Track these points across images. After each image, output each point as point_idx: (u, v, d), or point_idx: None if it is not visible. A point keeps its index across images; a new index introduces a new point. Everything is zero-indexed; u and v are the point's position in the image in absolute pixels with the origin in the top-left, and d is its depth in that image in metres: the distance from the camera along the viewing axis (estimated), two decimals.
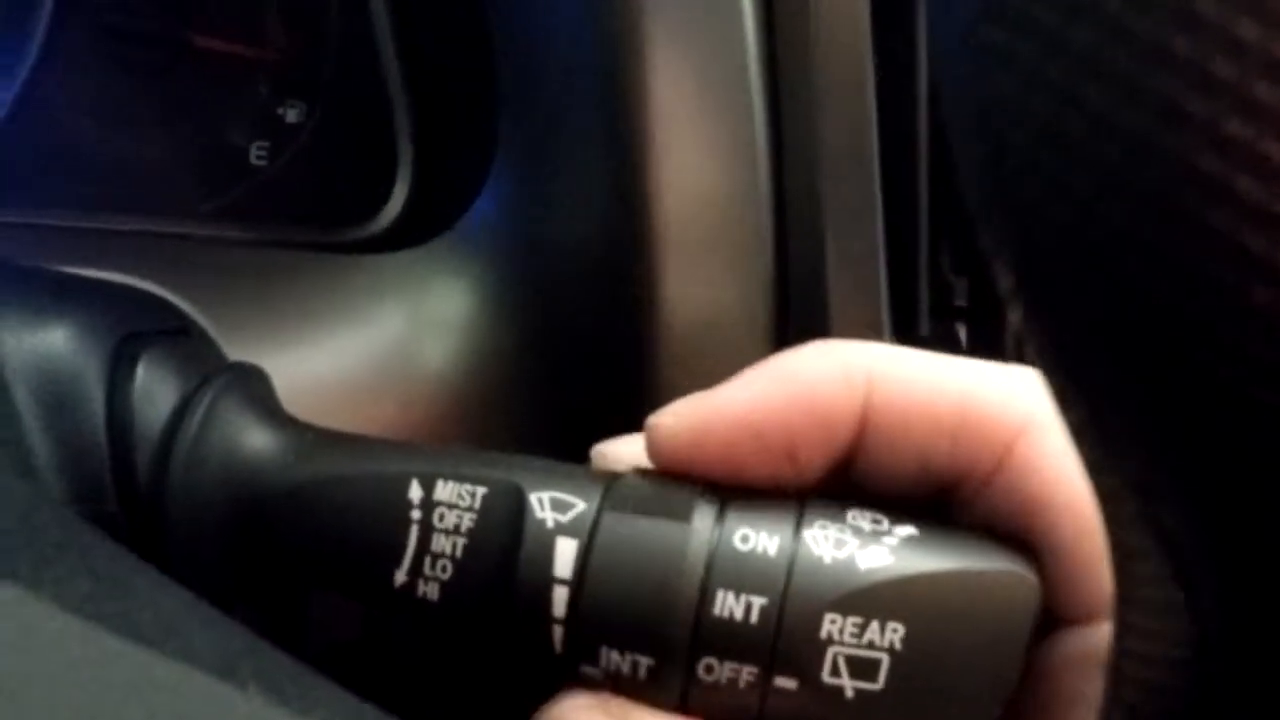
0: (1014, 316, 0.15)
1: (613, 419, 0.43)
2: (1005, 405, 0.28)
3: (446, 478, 0.29)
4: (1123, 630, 0.17)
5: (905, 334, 0.44)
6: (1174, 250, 0.13)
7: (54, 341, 0.30)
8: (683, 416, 0.29)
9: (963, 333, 0.46)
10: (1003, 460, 0.28)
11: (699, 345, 0.42)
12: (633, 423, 0.43)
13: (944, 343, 0.45)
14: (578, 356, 0.43)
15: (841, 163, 0.41)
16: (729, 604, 0.27)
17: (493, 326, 0.43)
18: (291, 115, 0.49)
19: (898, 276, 0.43)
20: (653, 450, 0.30)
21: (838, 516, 0.28)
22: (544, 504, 0.29)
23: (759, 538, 0.28)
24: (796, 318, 0.43)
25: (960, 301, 0.46)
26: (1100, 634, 0.28)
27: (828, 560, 0.27)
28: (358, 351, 0.41)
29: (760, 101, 0.41)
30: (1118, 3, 0.12)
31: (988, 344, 0.44)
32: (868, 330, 0.42)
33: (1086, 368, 0.14)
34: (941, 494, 0.30)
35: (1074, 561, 0.28)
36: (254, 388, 0.32)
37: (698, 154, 0.40)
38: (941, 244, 0.45)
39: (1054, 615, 0.28)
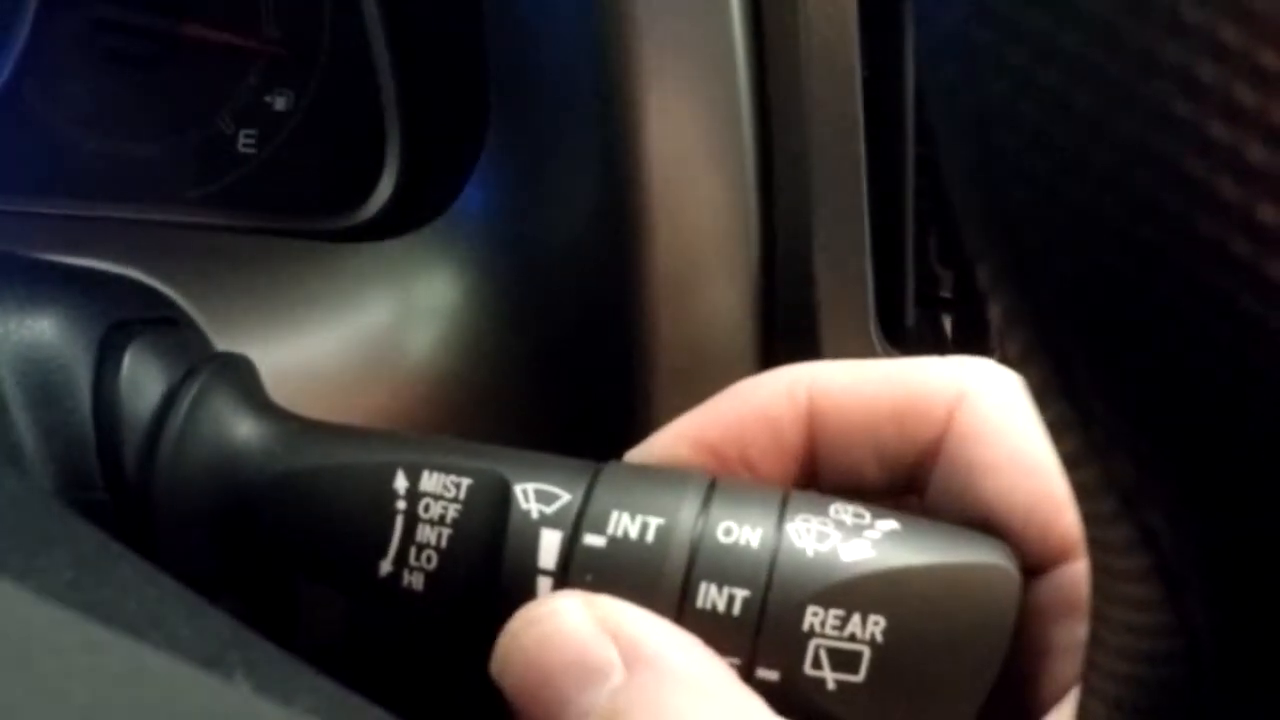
0: (995, 314, 0.15)
1: (599, 407, 0.43)
2: (936, 382, 0.30)
3: (432, 468, 0.29)
4: (1101, 623, 0.18)
5: (891, 325, 0.44)
6: (1164, 254, 0.13)
7: (41, 330, 0.30)
8: (655, 446, 0.32)
9: (948, 324, 0.46)
10: (946, 429, 0.30)
11: (686, 336, 0.42)
12: (619, 410, 0.43)
13: (929, 334, 0.46)
14: (564, 345, 0.43)
15: (829, 156, 0.41)
16: (712, 596, 0.27)
17: (479, 315, 0.43)
18: (280, 104, 0.49)
19: (884, 268, 0.43)
20: None
21: (820, 510, 0.28)
22: (529, 495, 0.29)
23: (742, 530, 0.28)
24: (784, 308, 0.43)
25: (946, 293, 0.46)
26: (1061, 577, 0.28)
27: (810, 553, 0.27)
28: (344, 340, 0.41)
29: (749, 95, 0.41)
30: (1107, 8, 0.12)
31: (973, 335, 0.45)
32: (854, 321, 0.43)
33: (1072, 369, 0.14)
34: (907, 479, 0.31)
35: (1028, 511, 0.28)
36: (241, 377, 0.32)
37: (687, 148, 0.41)
38: (928, 236, 0.45)
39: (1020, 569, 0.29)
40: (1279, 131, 0.12)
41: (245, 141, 0.49)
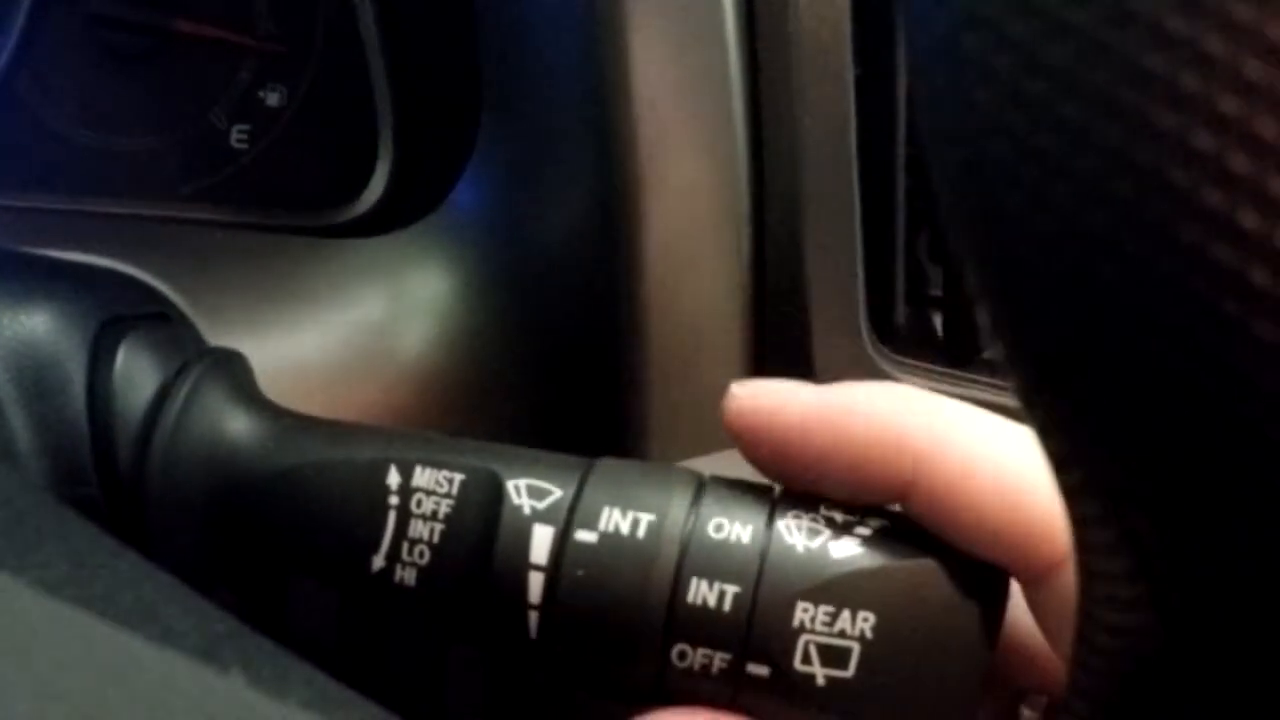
0: (984, 318, 0.15)
1: (591, 402, 0.44)
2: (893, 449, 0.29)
3: (425, 464, 0.29)
4: (1086, 623, 0.18)
5: (882, 323, 0.44)
6: (1149, 261, 0.13)
7: (35, 326, 0.30)
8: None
9: (938, 321, 0.46)
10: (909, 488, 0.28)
11: (677, 332, 0.42)
12: (610, 406, 0.43)
13: (919, 332, 0.46)
14: (557, 341, 0.43)
15: (820, 154, 0.42)
16: (703, 591, 0.27)
17: (472, 311, 0.43)
18: (272, 99, 0.49)
19: (874, 266, 0.43)
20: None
21: (811, 507, 0.29)
22: (521, 491, 0.29)
23: (733, 527, 0.28)
24: (774, 307, 0.44)
25: (936, 291, 0.46)
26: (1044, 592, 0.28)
27: (800, 550, 0.28)
28: (337, 335, 0.42)
29: (741, 93, 0.41)
30: (1093, 20, 0.13)
31: (962, 333, 0.45)
32: (845, 318, 0.43)
33: (1059, 373, 0.14)
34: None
35: (1005, 536, 0.28)
36: (234, 373, 0.32)
37: (679, 145, 0.41)
38: (918, 234, 0.46)
39: None
40: (1262, 141, 0.12)
41: (238, 137, 0.49)
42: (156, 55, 0.49)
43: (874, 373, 0.43)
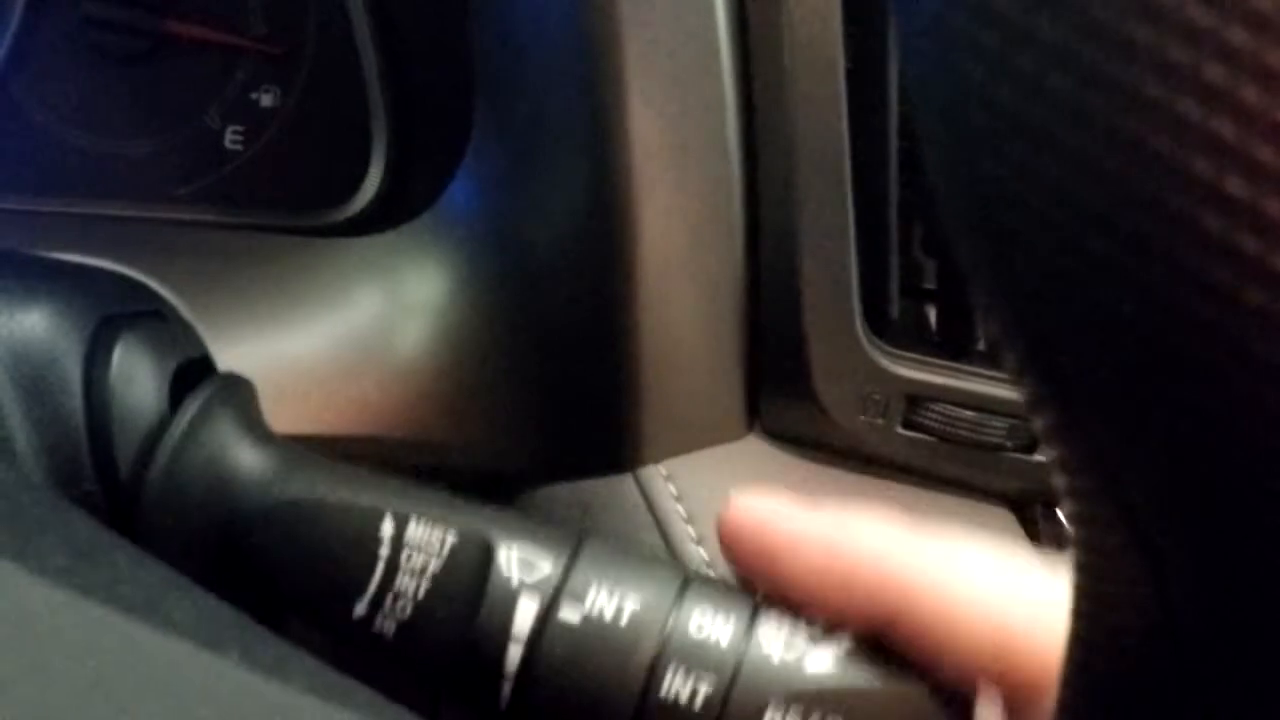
0: (978, 297, 0.15)
1: (585, 400, 0.44)
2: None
3: (420, 519, 0.30)
4: (1084, 600, 0.18)
5: (876, 316, 0.44)
6: (1140, 232, 0.13)
7: (31, 325, 0.30)
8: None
9: (932, 314, 0.46)
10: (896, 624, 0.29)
11: (672, 328, 0.42)
12: (603, 403, 0.43)
13: (913, 325, 0.46)
14: (551, 339, 0.43)
15: (813, 148, 0.42)
16: (676, 687, 0.28)
17: (467, 310, 0.43)
18: (266, 100, 0.49)
19: (868, 259, 0.43)
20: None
21: (792, 617, 0.29)
22: (511, 561, 0.29)
23: (713, 627, 0.28)
24: (769, 302, 0.44)
25: (929, 284, 0.46)
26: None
27: (775, 661, 0.28)
28: (332, 335, 0.42)
29: (733, 88, 0.41)
30: None
31: (957, 325, 0.45)
32: (839, 313, 0.43)
33: (1049, 348, 0.15)
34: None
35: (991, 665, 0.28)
36: (239, 401, 0.32)
37: (672, 142, 0.41)
38: (912, 226, 0.46)
39: None
40: (1249, 109, 0.12)
41: (233, 138, 0.49)
42: (151, 57, 0.49)
43: (869, 366, 0.43)
